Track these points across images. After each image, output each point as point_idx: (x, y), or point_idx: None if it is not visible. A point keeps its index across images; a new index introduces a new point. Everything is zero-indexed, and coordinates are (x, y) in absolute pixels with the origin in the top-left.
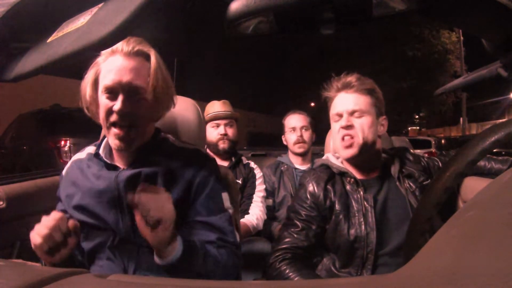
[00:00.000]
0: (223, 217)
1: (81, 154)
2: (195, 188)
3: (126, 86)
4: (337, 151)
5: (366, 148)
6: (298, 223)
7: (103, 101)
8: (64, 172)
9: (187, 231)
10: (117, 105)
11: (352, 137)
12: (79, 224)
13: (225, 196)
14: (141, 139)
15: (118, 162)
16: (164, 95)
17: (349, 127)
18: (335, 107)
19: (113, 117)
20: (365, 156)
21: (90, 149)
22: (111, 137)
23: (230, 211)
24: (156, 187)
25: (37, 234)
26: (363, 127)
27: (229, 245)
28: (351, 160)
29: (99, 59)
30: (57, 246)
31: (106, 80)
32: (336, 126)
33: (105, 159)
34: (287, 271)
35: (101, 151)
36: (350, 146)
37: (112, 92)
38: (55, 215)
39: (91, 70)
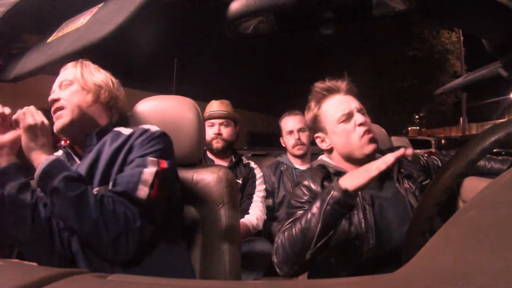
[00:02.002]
0: (130, 172)
1: (59, 152)
2: (125, 159)
3: (58, 78)
4: (351, 153)
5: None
6: (299, 212)
7: None
8: None
9: None
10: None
11: (371, 132)
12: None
13: (151, 160)
14: (72, 125)
15: (80, 152)
16: (91, 84)
17: (367, 122)
18: (338, 108)
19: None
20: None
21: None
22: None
23: (147, 169)
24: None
25: None
26: (372, 125)
27: (114, 196)
28: (369, 157)
29: None
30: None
31: None
32: (348, 126)
33: (68, 150)
34: (290, 228)
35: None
36: (373, 140)
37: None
38: None
39: None
